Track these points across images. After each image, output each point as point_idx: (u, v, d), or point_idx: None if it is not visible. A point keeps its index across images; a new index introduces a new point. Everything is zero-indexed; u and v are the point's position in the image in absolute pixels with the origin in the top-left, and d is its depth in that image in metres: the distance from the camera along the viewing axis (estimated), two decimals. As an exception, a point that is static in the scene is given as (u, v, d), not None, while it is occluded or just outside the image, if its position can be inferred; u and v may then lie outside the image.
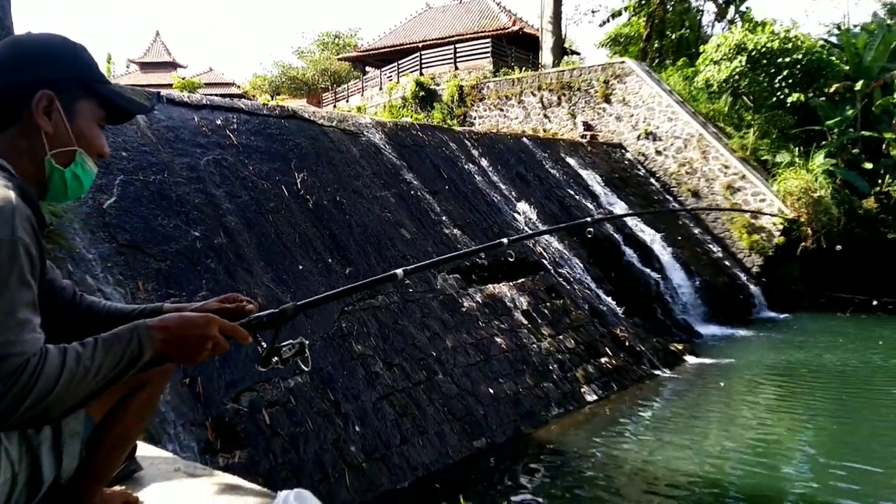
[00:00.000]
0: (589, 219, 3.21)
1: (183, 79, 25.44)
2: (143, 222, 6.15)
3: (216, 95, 10.61)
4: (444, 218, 9.88)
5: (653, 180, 17.33)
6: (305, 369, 1.68)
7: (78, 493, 1.62)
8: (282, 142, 8.66)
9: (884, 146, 16.66)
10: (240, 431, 5.14)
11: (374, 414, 6.15)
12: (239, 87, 40.98)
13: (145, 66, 43.88)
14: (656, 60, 22.11)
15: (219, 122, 8.09)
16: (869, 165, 16.57)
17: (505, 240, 2.50)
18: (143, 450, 2.32)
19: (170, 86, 24.27)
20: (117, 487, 1.86)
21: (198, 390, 5.15)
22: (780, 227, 15.25)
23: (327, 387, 6.04)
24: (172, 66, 43.49)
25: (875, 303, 14.44)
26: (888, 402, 8.68)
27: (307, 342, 1.68)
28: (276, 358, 1.63)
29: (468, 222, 10.29)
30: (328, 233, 7.88)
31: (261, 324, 1.66)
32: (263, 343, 1.65)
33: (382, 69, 28.50)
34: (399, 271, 2.04)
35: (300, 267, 7.05)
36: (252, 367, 5.60)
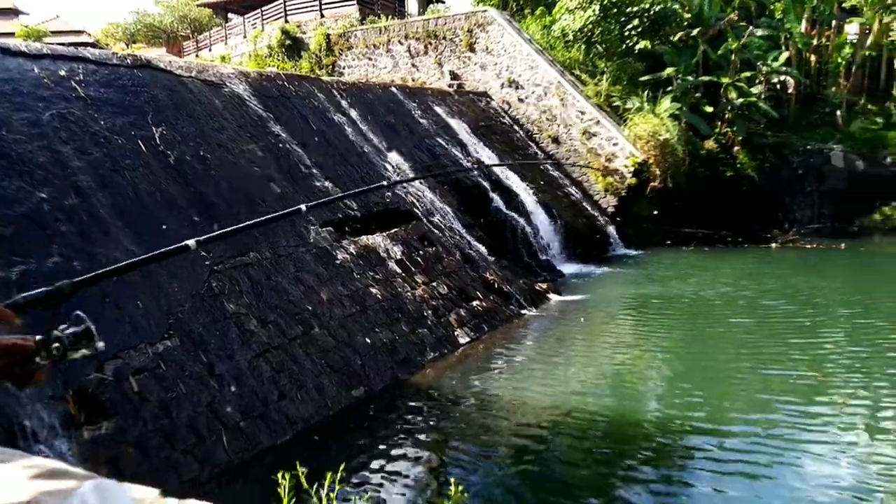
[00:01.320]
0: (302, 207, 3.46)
1: (27, 27, 22.83)
2: (-22, 186, 5.64)
3: (64, 45, 9.69)
4: (314, 171, 9.75)
5: (517, 128, 17.88)
6: (89, 353, 1.39)
7: None
8: (136, 94, 8.11)
9: (721, 90, 18.14)
10: (105, 401, 4.97)
11: (249, 373, 6.13)
12: (91, 35, 37.35)
13: (-18, 14, 38.82)
14: (516, 9, 22.47)
15: (62, 72, 7.44)
16: (710, 109, 18.05)
17: (303, 206, 2.56)
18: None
19: (13, 34, 21.79)
20: None
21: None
22: (632, 168, 16.31)
23: (199, 349, 5.93)
24: (14, 13, 38.83)
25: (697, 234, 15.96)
26: (735, 329, 9.62)
27: (93, 327, 1.38)
28: (56, 344, 1.33)
29: (339, 174, 10.21)
30: (193, 189, 7.56)
31: (35, 302, 1.45)
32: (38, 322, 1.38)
33: (246, 16, 27.12)
34: (191, 242, 1.84)
35: (164, 227, 6.77)
36: (118, 334, 5.39)
